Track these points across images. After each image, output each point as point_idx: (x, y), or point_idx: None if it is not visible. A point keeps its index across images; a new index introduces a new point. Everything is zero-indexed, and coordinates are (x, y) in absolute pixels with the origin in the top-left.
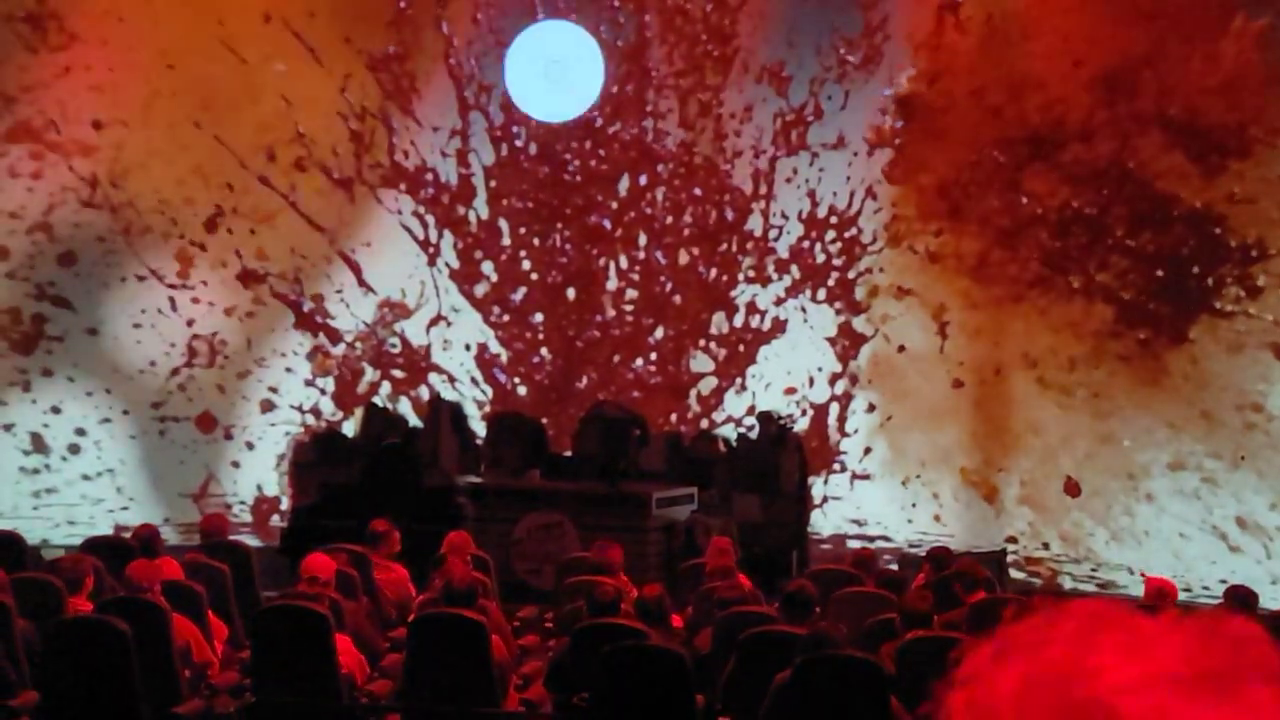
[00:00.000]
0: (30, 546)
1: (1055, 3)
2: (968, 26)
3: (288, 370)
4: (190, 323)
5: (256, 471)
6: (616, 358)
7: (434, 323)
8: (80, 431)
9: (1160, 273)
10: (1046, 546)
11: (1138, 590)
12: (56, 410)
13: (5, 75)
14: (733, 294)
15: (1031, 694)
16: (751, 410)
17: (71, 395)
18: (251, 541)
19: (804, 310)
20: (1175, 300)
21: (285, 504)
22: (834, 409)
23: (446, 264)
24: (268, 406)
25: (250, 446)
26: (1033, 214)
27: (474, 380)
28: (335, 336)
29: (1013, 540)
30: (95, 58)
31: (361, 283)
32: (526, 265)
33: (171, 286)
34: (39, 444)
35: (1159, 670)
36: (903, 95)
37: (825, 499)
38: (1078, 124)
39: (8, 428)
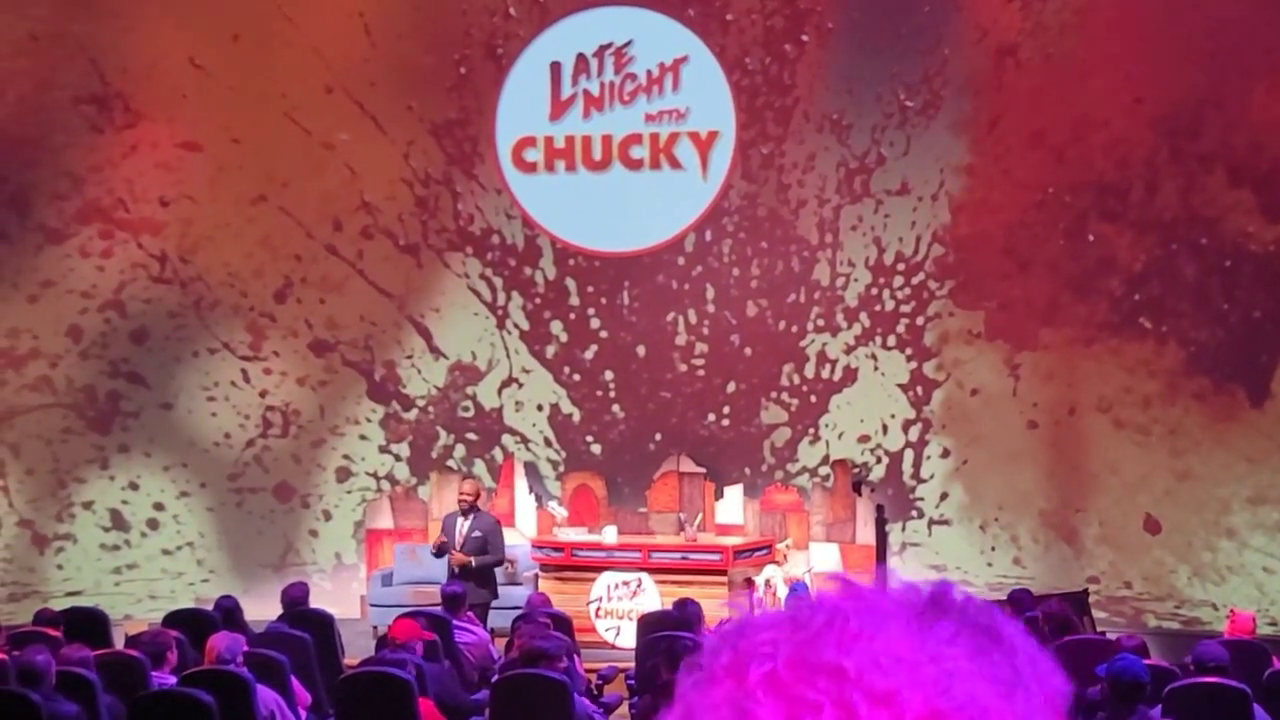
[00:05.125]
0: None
1: (1115, 41)
2: (1027, 68)
3: (362, 438)
4: (263, 394)
5: (335, 540)
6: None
7: (505, 384)
8: (159, 506)
9: (1226, 306)
10: (1129, 586)
11: (1221, 626)
12: (134, 486)
13: (73, 156)
14: (802, 344)
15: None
16: (826, 460)
17: (149, 471)
18: (332, 609)
19: (875, 357)
20: (1247, 343)
21: (363, 571)
22: (909, 455)
23: (515, 325)
24: (344, 474)
25: (327, 515)
26: (1101, 255)
27: (547, 440)
28: (407, 402)
29: (1094, 580)
30: (161, 135)
31: (432, 347)
32: (595, 324)
33: (244, 358)
34: (118, 520)
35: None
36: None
37: (904, 545)
38: (1141, 163)
39: (87, 505)
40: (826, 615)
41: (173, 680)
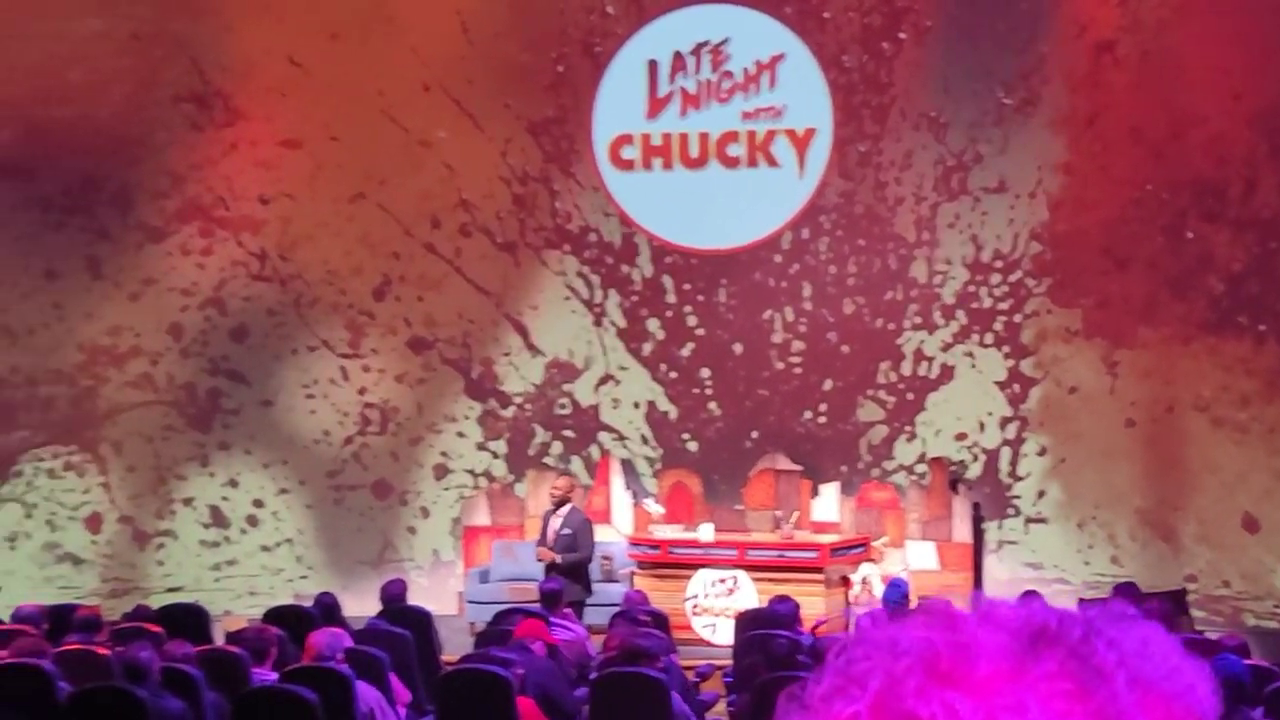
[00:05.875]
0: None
1: (1213, 38)
2: (1125, 64)
3: (459, 435)
4: (362, 391)
5: (432, 537)
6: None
7: (602, 382)
8: (258, 503)
9: None
10: (1227, 584)
11: None
12: (234, 483)
13: (174, 155)
14: (899, 341)
15: None
16: (923, 458)
17: (248, 468)
18: (429, 606)
19: (972, 355)
20: None
21: (460, 568)
22: (1005, 453)
23: (612, 323)
24: (441, 471)
25: (425, 512)
26: (1199, 253)
27: (643, 438)
28: (505, 399)
29: (1192, 579)
30: (260, 134)
31: (529, 345)
32: (692, 321)
33: (342, 356)
34: (218, 517)
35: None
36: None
37: (1000, 544)
38: (1240, 160)
39: (187, 502)
40: (917, 653)
41: (274, 677)
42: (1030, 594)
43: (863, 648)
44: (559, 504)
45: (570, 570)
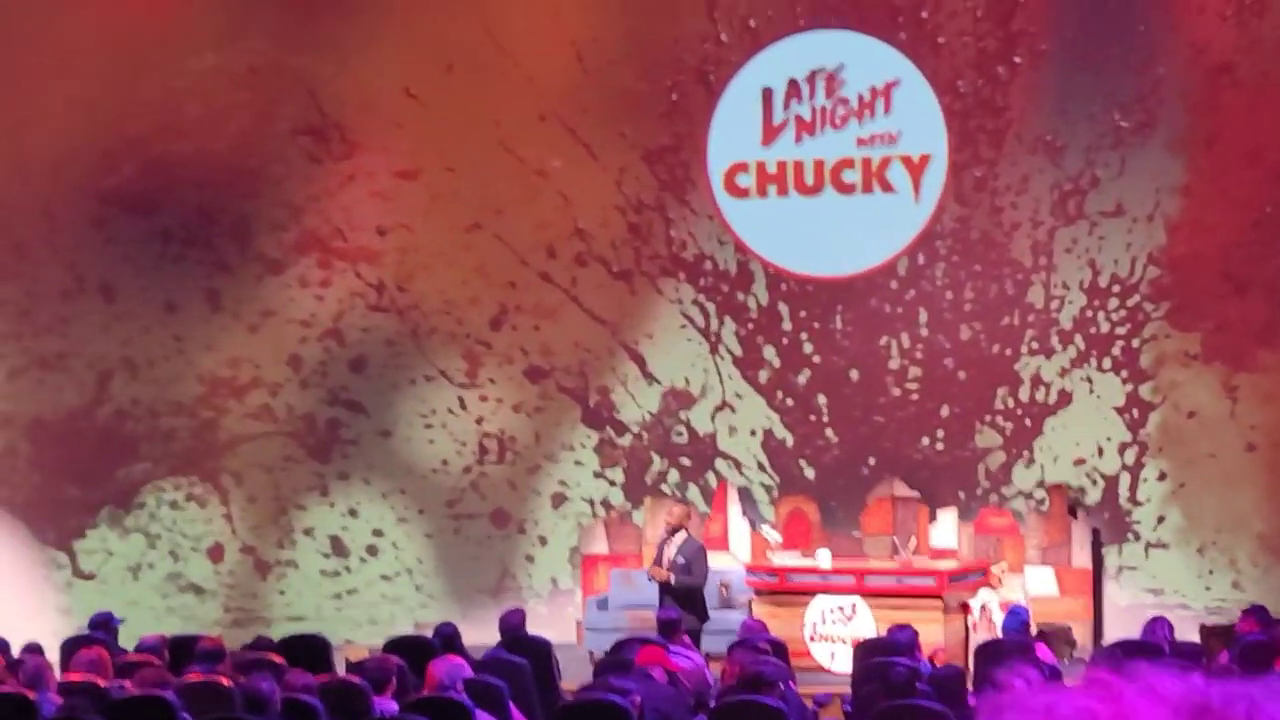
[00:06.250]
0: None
1: None
2: (1244, 85)
3: (577, 463)
4: (479, 420)
5: (551, 565)
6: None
7: (718, 410)
8: (378, 533)
9: None
10: None
11: None
12: (354, 513)
13: (292, 187)
14: (1016, 367)
15: None
16: (1041, 484)
17: (368, 497)
18: (548, 634)
19: (1090, 380)
20: None
21: (579, 596)
22: (1125, 478)
23: (728, 351)
24: (559, 500)
25: (543, 541)
26: None
27: (760, 465)
28: (621, 428)
29: None
30: (377, 165)
31: (645, 373)
32: (808, 349)
33: (460, 385)
34: (338, 547)
35: None
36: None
37: (1120, 569)
38: None
39: (308, 532)
40: None
41: (394, 706)
42: (1158, 620)
43: (1019, 714)
44: (673, 532)
45: (684, 595)
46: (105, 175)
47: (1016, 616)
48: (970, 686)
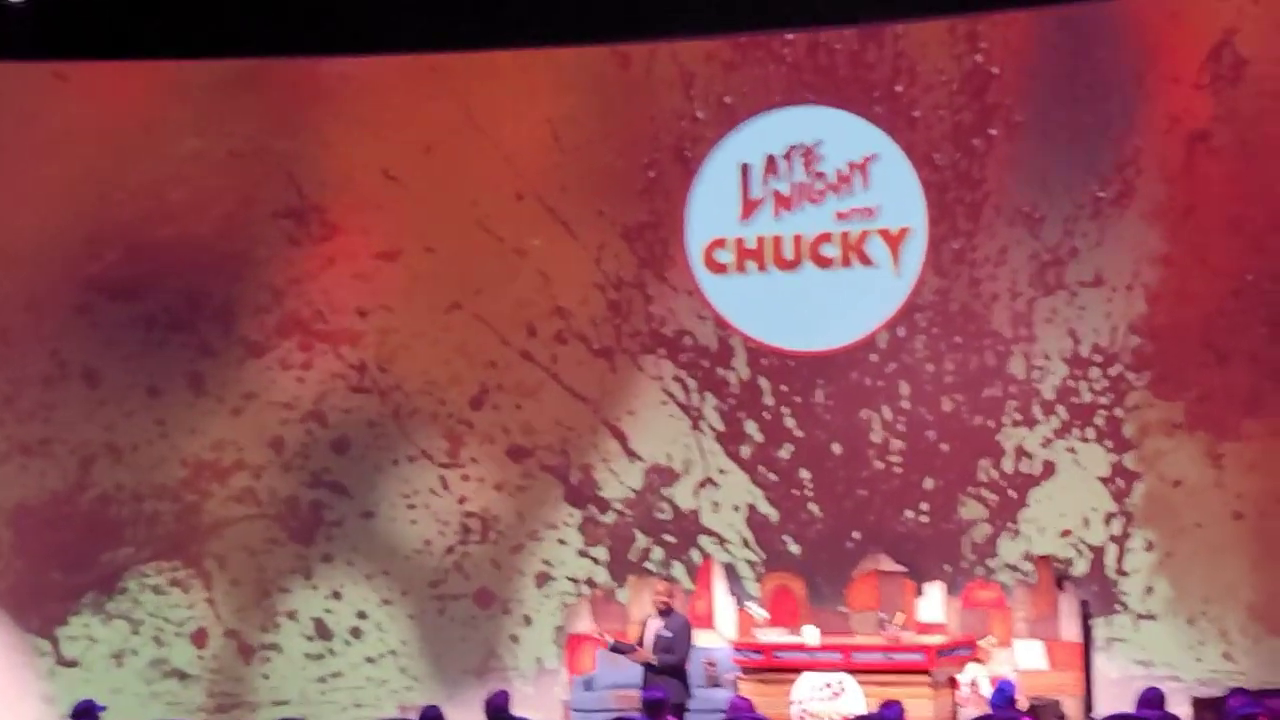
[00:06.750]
0: None
1: None
2: (1221, 154)
3: (560, 542)
4: (462, 500)
5: (536, 645)
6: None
7: (701, 485)
8: (361, 614)
9: None
10: None
11: None
12: (337, 595)
13: (272, 270)
14: (999, 438)
15: None
16: (1028, 555)
17: (351, 579)
18: (534, 715)
19: (1073, 450)
20: None
21: (564, 676)
22: (1111, 549)
23: (710, 426)
24: (543, 579)
25: (528, 620)
26: None
27: (744, 541)
28: (604, 505)
29: None
30: (357, 246)
31: (627, 450)
32: (790, 423)
33: (442, 465)
34: (322, 630)
35: None
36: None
37: (1109, 641)
38: None
39: (291, 615)
40: None
41: None
42: (1152, 691)
43: None
44: (664, 612)
45: (668, 671)
46: (89, 261)
47: (1003, 693)
48: None
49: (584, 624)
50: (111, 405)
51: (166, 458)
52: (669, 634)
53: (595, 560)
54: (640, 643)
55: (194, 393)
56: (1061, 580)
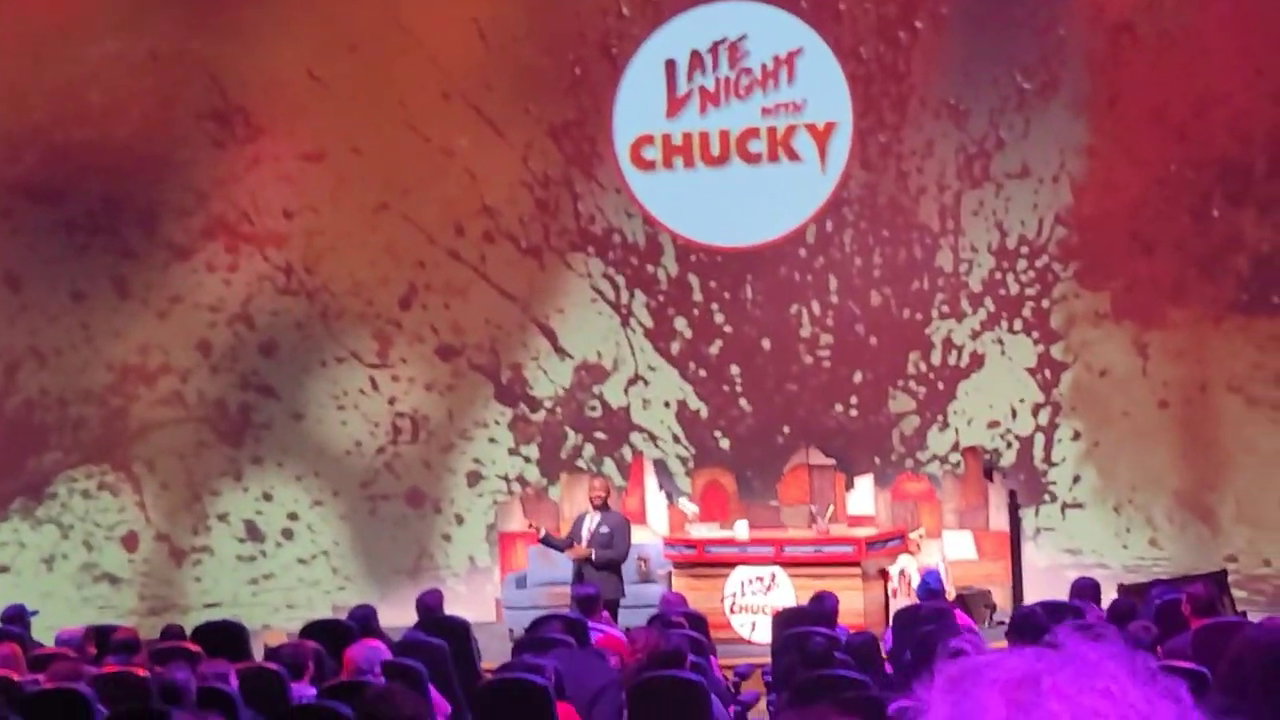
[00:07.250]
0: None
1: (1232, 14)
2: (1144, 44)
3: (491, 440)
4: (392, 401)
5: (468, 544)
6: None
7: (632, 382)
8: (293, 516)
9: None
10: (1268, 564)
11: None
12: (268, 497)
13: (197, 172)
14: (928, 331)
15: None
16: (956, 447)
17: (281, 481)
18: (467, 613)
19: (1001, 342)
20: None
21: (497, 574)
22: (1039, 439)
23: (640, 323)
24: (474, 478)
25: (460, 520)
26: (1226, 233)
27: (675, 437)
28: (535, 404)
29: (1232, 560)
30: (282, 148)
31: (557, 348)
32: (720, 319)
33: (371, 366)
34: (253, 531)
35: None
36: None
37: (1038, 530)
38: (1264, 137)
39: (222, 517)
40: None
41: (312, 692)
42: (1085, 581)
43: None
44: (601, 507)
45: (606, 566)
46: (7, 165)
47: (926, 585)
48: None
49: (515, 522)
50: (35, 310)
51: (92, 362)
52: (607, 530)
53: (526, 458)
54: (573, 540)
55: (118, 296)
56: (990, 471)
